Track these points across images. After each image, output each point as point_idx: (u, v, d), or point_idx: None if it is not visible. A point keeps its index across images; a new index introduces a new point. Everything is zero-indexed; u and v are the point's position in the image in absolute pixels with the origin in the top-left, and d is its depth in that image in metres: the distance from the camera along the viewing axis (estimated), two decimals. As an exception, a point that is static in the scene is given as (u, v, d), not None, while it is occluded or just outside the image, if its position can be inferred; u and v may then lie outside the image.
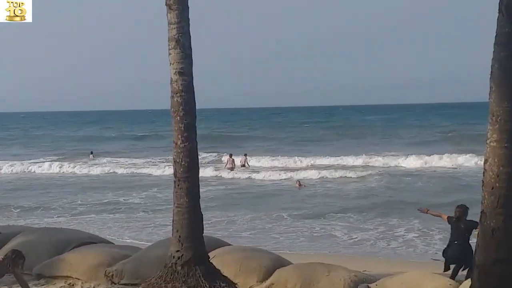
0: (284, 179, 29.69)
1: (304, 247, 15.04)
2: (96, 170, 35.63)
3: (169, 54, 8.71)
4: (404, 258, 13.47)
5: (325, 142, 52.31)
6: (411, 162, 34.22)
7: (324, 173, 30.43)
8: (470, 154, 33.94)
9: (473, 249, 7.77)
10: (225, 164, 34.20)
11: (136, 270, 9.64)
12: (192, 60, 8.78)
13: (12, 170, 36.85)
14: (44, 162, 39.97)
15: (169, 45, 8.69)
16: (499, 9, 6.99)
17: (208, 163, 37.21)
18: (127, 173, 34.42)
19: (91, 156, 43.47)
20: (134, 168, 36.25)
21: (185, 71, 8.70)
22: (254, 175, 30.65)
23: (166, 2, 8.69)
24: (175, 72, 8.68)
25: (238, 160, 34.63)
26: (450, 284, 8.47)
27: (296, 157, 37.68)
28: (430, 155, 34.92)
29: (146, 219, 19.25)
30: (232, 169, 32.89)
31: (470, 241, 9.34)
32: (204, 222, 9.07)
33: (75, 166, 37.22)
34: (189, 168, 8.74)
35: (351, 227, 17.32)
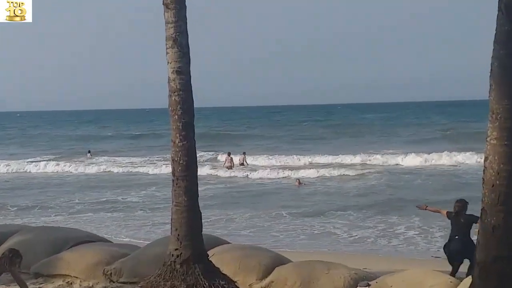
0: (283, 177, 29.67)
1: (304, 245, 15.02)
2: (93, 169, 35.58)
3: (167, 53, 8.70)
4: (404, 256, 13.45)
5: (324, 140, 52.35)
6: (411, 160, 34.18)
7: (324, 171, 30.37)
8: (470, 152, 33.91)
9: (475, 243, 7.74)
10: (223, 162, 34.12)
11: (134, 268, 9.61)
12: (189, 59, 8.77)
13: (8, 169, 36.65)
14: (41, 161, 39.84)
15: (166, 44, 8.69)
16: (498, 8, 6.99)
17: (205, 161, 37.18)
18: (125, 171, 34.35)
19: (88, 155, 43.38)
20: (132, 167, 36.20)
21: (183, 70, 8.69)
22: (253, 174, 30.62)
23: (163, 1, 8.67)
24: (173, 71, 8.67)
25: (236, 159, 34.55)
26: (450, 282, 8.44)
27: (295, 156, 37.65)
28: (429, 153, 34.91)
29: (144, 218, 19.22)
30: (230, 167, 32.82)
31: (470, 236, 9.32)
32: (203, 221, 9.05)
33: (73, 165, 37.10)
34: (188, 167, 8.72)
35: (351, 225, 17.30)
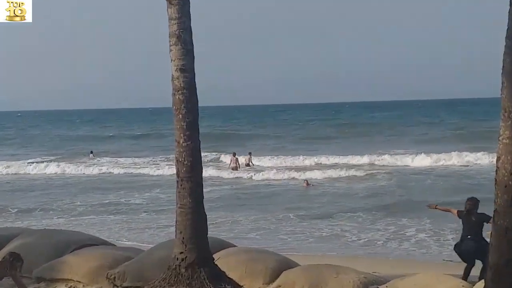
0: (291, 178, 29.40)
1: (312, 248, 14.81)
2: (96, 170, 35.28)
3: (170, 50, 8.54)
4: (415, 259, 13.21)
5: (332, 140, 52.08)
6: (420, 160, 33.89)
7: (332, 172, 30.09)
8: (482, 152, 33.56)
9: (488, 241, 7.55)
10: (229, 163, 33.79)
11: (138, 272, 9.43)
12: (193, 56, 8.61)
13: (9, 171, 36.15)
14: (42, 162, 39.59)
15: (170, 41, 8.52)
16: (510, 2, 6.82)
17: (209, 161, 36.98)
18: (128, 173, 34.02)
19: (91, 155, 43.22)
20: (135, 167, 35.94)
21: (187, 67, 8.52)
22: (259, 175, 30.34)
23: (166, -3, 8.48)
24: (177, 69, 8.50)
25: (242, 159, 34.21)
26: (462, 286, 8.27)
27: (302, 156, 37.38)
28: (440, 153, 34.59)
29: (148, 220, 19.01)
30: (236, 168, 32.44)
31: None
32: (208, 223, 8.90)
33: (75, 166, 36.80)
34: (192, 168, 8.55)
35: (360, 227, 17.07)
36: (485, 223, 9.03)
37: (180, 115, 8.51)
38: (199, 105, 8.67)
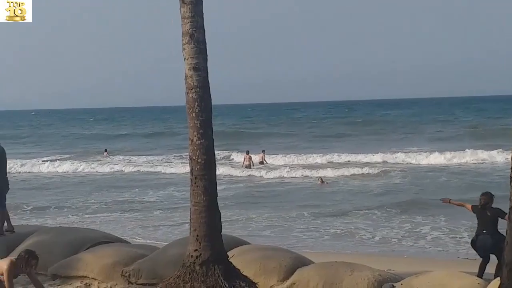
0: (304, 176, 29.33)
1: (327, 245, 14.76)
2: (110, 168, 35.40)
3: (183, 49, 8.54)
4: (430, 257, 13.13)
5: (345, 138, 51.92)
6: (435, 158, 33.67)
7: (346, 170, 29.99)
8: (497, 150, 33.25)
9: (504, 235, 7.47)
10: (242, 161, 33.70)
11: (153, 269, 9.46)
12: (206, 55, 8.62)
13: (23, 169, 36.25)
14: (56, 160, 39.77)
15: (183, 40, 8.53)
16: None
17: (222, 159, 36.94)
18: (142, 171, 34.05)
19: (105, 153, 43.37)
20: (149, 166, 36.00)
21: (200, 66, 8.52)
22: (272, 173, 30.30)
23: (178, -4, 8.50)
24: (190, 67, 8.51)
25: (256, 157, 34.18)
26: (478, 283, 8.19)
27: (316, 154, 37.28)
28: (454, 151, 34.35)
29: (162, 218, 18.99)
30: (249, 166, 32.37)
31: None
32: (222, 221, 8.87)
33: (89, 164, 36.95)
34: (206, 166, 8.55)
35: (375, 225, 17.00)
36: (499, 219, 9.00)
37: (194, 114, 8.52)
38: (212, 103, 8.69)
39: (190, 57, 8.49)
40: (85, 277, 9.76)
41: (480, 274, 9.03)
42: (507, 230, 7.04)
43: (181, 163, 34.55)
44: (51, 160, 39.60)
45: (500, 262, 7.98)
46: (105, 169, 35.30)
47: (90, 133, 71.16)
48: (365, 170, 29.58)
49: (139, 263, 9.67)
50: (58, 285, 9.67)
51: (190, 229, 8.75)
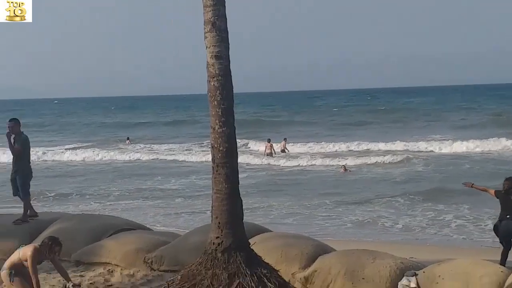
0: (326, 164, 29.23)
1: (349, 233, 14.72)
2: (132, 156, 35.53)
3: (205, 37, 8.52)
4: (453, 245, 13.02)
5: (368, 125, 51.58)
6: (458, 146, 33.35)
7: (368, 158, 29.85)
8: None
9: None
10: (264, 149, 33.64)
11: (175, 256, 9.52)
12: (228, 43, 8.59)
13: (46, 157, 36.43)
14: (78, 148, 40.05)
15: (204, 28, 8.51)
16: None
17: (242, 146, 36.88)
18: (164, 159, 34.09)
19: (127, 141, 43.63)
20: (170, 154, 36.02)
21: (222, 54, 8.49)
22: (294, 161, 30.24)
23: (201, -15, 8.47)
24: (212, 55, 8.49)
25: (277, 145, 34.13)
26: (501, 271, 8.13)
27: (338, 142, 37.11)
28: (478, 139, 33.98)
29: (183, 206, 19.03)
30: (271, 154, 32.33)
31: None
32: (244, 208, 8.86)
33: (111, 152, 37.13)
34: (228, 154, 8.53)
35: (398, 213, 16.90)
36: None
37: (215, 102, 8.50)
38: (234, 91, 8.68)
39: (212, 46, 8.46)
40: (108, 263, 9.84)
41: (503, 261, 8.95)
42: None
43: (202, 151, 34.61)
44: (73, 148, 39.95)
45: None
46: (127, 157, 35.49)
47: (111, 121, 71.44)
48: (388, 158, 29.40)
49: (161, 250, 9.73)
50: (82, 271, 9.75)
51: (212, 216, 8.75)
